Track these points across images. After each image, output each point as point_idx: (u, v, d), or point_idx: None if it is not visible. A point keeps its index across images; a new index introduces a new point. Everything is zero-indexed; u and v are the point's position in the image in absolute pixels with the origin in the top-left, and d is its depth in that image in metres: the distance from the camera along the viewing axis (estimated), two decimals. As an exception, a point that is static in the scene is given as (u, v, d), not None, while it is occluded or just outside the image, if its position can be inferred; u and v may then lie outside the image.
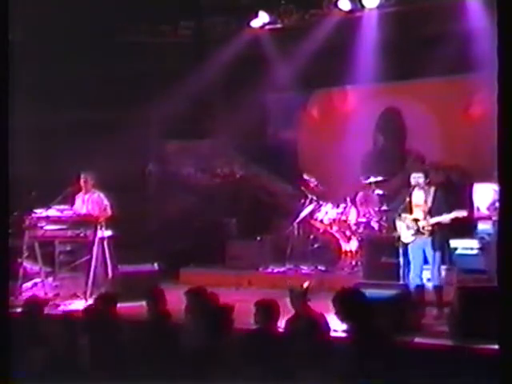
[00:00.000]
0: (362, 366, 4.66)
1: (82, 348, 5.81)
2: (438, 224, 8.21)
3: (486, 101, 10.46)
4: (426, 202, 8.34)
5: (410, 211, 8.40)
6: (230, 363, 5.19)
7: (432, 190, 8.40)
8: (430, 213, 8.26)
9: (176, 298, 6.90)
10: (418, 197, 8.42)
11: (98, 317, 6.51)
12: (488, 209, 9.49)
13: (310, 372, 4.89)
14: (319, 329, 6.02)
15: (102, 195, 10.28)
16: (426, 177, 8.48)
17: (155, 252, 10.82)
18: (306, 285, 6.68)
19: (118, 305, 6.82)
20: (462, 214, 8.16)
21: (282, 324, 6.03)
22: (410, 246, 8.42)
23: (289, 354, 5.21)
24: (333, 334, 6.32)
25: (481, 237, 9.45)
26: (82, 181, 10.29)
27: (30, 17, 10.83)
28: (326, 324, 6.19)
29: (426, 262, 8.36)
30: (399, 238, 8.55)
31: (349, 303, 5.07)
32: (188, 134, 12.85)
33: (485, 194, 9.59)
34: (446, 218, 8.15)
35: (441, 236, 8.33)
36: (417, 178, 8.41)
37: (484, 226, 9.53)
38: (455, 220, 8.25)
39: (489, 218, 9.40)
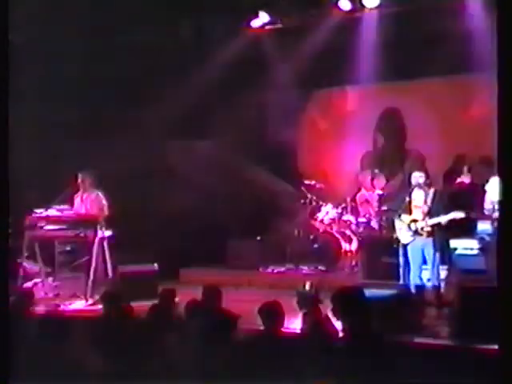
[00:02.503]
0: (360, 366, 4.66)
1: (83, 348, 5.80)
2: (437, 225, 8.21)
3: (486, 101, 10.45)
4: (425, 202, 8.34)
5: (410, 212, 8.40)
6: (234, 365, 5.19)
7: (432, 190, 8.40)
8: (429, 213, 8.26)
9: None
10: (418, 197, 8.42)
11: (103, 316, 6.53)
12: (488, 209, 9.47)
13: (312, 371, 4.89)
14: (328, 332, 5.99)
15: (100, 195, 10.27)
16: (427, 177, 8.48)
17: (155, 252, 10.81)
18: (308, 285, 6.65)
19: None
20: (460, 215, 8.16)
21: (288, 324, 6.02)
22: (408, 247, 8.42)
23: (301, 356, 5.20)
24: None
25: (481, 237, 9.44)
26: (79, 180, 10.29)
27: (30, 17, 10.83)
28: (334, 326, 6.18)
29: (425, 262, 8.36)
30: (397, 238, 8.55)
31: (348, 301, 5.06)
32: (188, 134, 12.84)
33: (485, 194, 9.58)
34: (443, 219, 8.15)
35: (440, 237, 8.33)
36: (417, 177, 8.41)
37: (484, 226, 9.52)
38: (454, 220, 8.25)
39: (489, 218, 9.39)
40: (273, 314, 5.49)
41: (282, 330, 5.53)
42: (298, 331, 6.19)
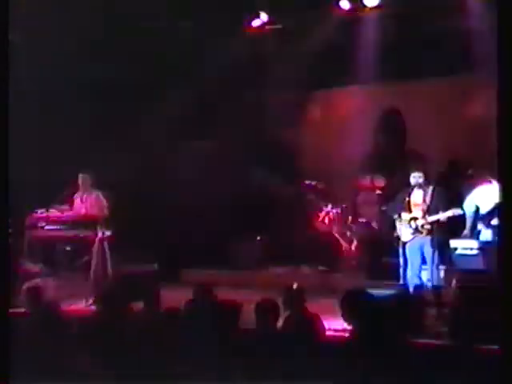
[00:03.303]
0: (362, 366, 4.66)
1: (82, 347, 5.80)
2: (437, 223, 8.21)
3: (486, 101, 10.46)
4: (424, 200, 8.35)
5: (409, 211, 8.41)
6: (231, 363, 5.19)
7: (430, 188, 8.41)
8: (429, 211, 8.26)
9: (176, 298, 6.91)
10: (418, 196, 8.42)
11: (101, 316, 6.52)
12: (487, 208, 9.49)
13: (308, 372, 4.89)
14: (316, 329, 6.02)
15: (100, 195, 10.27)
16: (426, 176, 8.49)
17: (155, 252, 10.81)
18: (295, 285, 6.68)
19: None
20: (458, 212, 8.16)
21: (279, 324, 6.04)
22: (407, 246, 8.42)
23: (287, 353, 5.21)
24: (331, 333, 6.34)
25: (478, 236, 9.47)
26: (80, 181, 10.29)
27: (30, 17, 10.83)
28: (322, 324, 6.20)
29: (424, 261, 8.37)
30: (399, 237, 8.55)
31: (356, 305, 5.08)
32: (188, 134, 12.84)
33: (484, 195, 9.59)
34: (442, 216, 8.15)
35: (439, 235, 8.33)
36: (417, 177, 8.41)
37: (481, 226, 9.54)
38: (453, 218, 8.27)
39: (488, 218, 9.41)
40: (267, 311, 5.51)
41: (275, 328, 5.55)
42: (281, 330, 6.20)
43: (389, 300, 7.21)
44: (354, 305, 5.09)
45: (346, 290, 5.39)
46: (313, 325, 6.08)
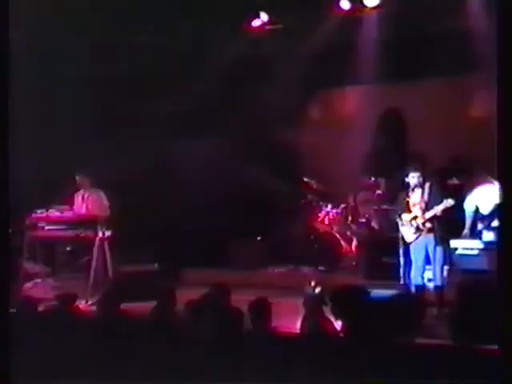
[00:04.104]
0: (359, 365, 4.66)
1: (84, 347, 5.80)
2: (436, 220, 8.21)
3: (486, 101, 10.46)
4: (422, 199, 8.36)
5: (409, 211, 8.41)
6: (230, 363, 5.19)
7: (427, 185, 8.43)
8: (427, 209, 8.28)
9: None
10: (417, 196, 8.43)
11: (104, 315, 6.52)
12: (487, 209, 9.50)
13: (311, 371, 4.89)
14: (331, 333, 6.00)
15: (101, 194, 10.28)
16: (425, 176, 8.51)
17: (155, 252, 10.81)
18: (318, 289, 6.66)
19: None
20: (450, 203, 8.17)
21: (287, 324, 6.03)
22: (412, 246, 8.43)
23: (295, 353, 5.21)
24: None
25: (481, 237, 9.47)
26: (80, 180, 10.30)
27: (30, 17, 10.82)
28: (336, 329, 6.18)
29: (428, 262, 8.37)
30: (402, 238, 8.55)
31: (346, 300, 5.08)
32: (188, 134, 12.84)
33: (485, 195, 9.60)
34: (437, 209, 8.16)
35: (441, 233, 8.32)
36: (416, 177, 8.42)
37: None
38: (453, 219, 8.28)
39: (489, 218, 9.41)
40: (261, 310, 5.51)
41: (274, 327, 5.54)
42: (297, 331, 6.19)
43: (383, 299, 7.23)
44: (343, 301, 5.09)
45: (338, 286, 5.39)
46: (329, 330, 6.06)
